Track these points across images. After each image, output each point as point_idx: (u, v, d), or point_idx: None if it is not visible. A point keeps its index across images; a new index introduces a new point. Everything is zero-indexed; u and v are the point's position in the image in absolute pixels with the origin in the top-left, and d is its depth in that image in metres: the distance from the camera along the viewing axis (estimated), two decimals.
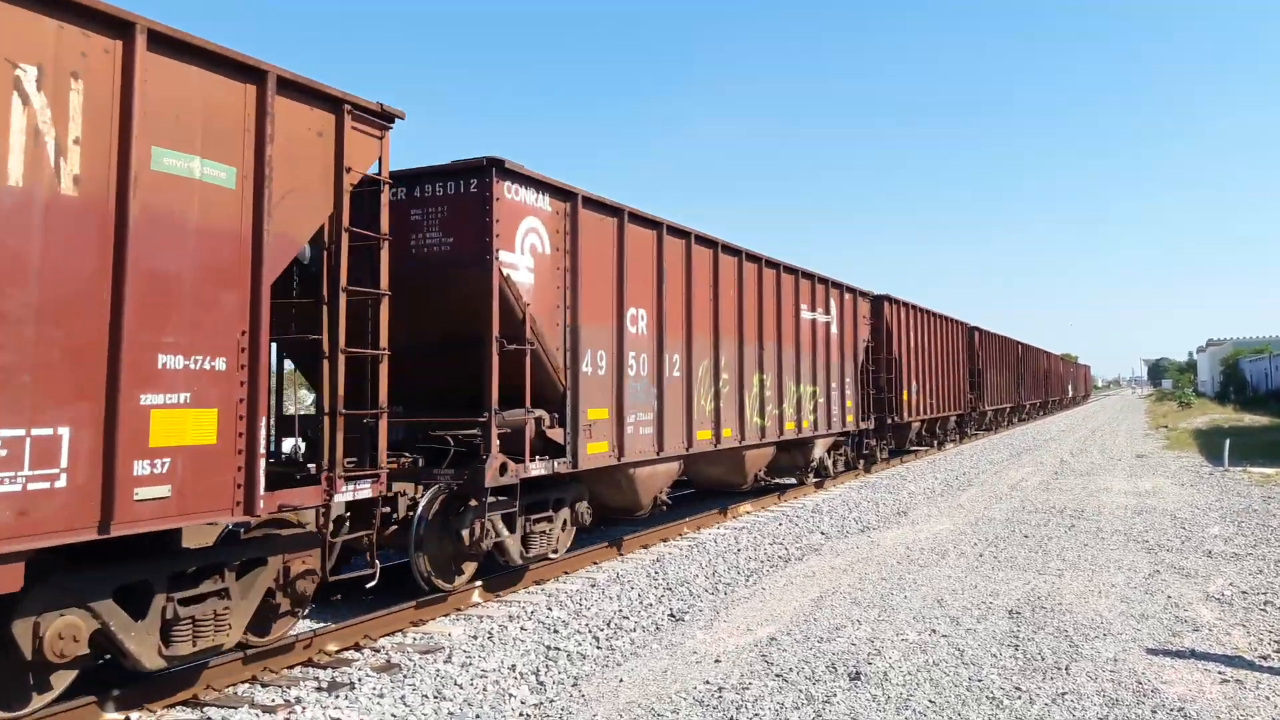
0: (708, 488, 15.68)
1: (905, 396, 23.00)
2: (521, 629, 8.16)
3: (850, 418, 18.97)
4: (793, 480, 17.50)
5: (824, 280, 17.53)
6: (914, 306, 24.43)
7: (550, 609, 8.83)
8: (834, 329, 18.10)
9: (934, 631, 7.85)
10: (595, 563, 11.12)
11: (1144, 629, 7.93)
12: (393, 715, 6.09)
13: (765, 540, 12.60)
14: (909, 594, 9.22)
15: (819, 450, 17.69)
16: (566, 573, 10.53)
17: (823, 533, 13.37)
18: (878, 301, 21.85)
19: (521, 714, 6.17)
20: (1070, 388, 77.17)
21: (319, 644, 7.40)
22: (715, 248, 13.15)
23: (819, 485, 18.52)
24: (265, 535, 6.79)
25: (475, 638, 7.87)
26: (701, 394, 12.53)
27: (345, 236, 7.01)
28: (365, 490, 7.15)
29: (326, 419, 6.91)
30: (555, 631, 8.10)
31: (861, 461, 20.94)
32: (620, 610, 8.85)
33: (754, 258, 14.39)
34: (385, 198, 7.49)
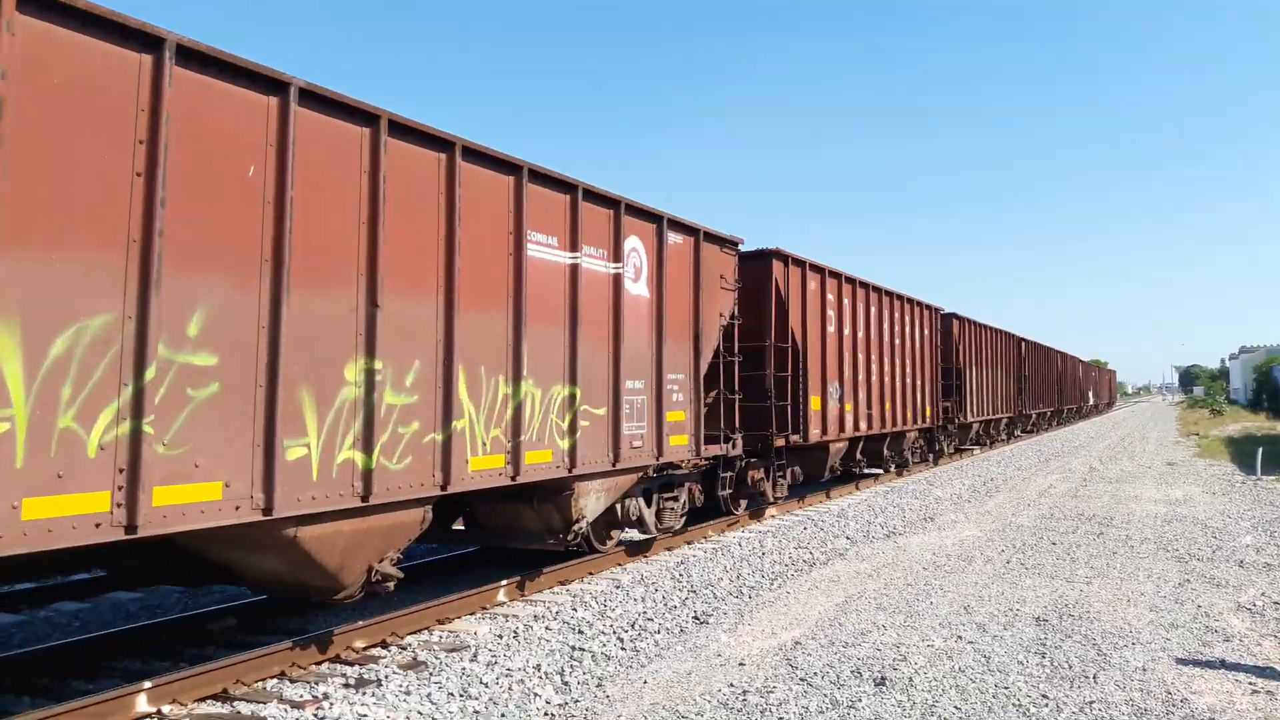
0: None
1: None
2: (546, 629, 8.20)
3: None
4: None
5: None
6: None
7: (575, 609, 8.86)
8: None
9: (960, 638, 7.81)
10: (619, 564, 11.14)
11: (1173, 638, 7.85)
12: (419, 713, 6.14)
13: (790, 544, 12.57)
14: (935, 600, 9.18)
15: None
16: (591, 573, 10.56)
17: (848, 537, 13.32)
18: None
19: (547, 714, 6.20)
20: (1091, 394, 69.25)
21: (346, 640, 7.47)
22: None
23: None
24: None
25: (501, 637, 7.92)
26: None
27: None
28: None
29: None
30: (580, 632, 8.13)
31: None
32: (644, 612, 8.87)
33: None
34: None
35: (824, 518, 15.06)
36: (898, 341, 20.23)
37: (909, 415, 21.00)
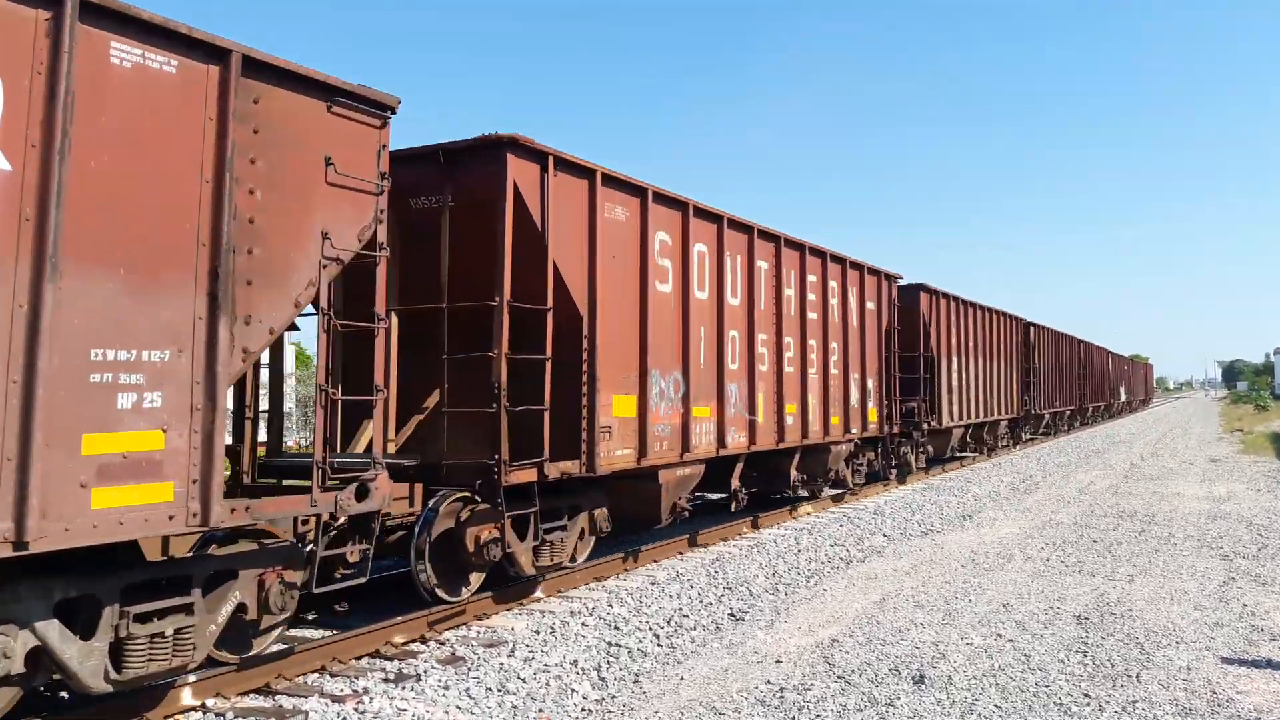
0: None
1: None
2: (583, 625, 8.23)
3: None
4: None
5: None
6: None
7: (611, 605, 8.89)
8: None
9: (1000, 636, 7.75)
10: (655, 560, 11.15)
11: (1218, 637, 7.73)
12: (457, 707, 6.19)
13: (826, 541, 12.52)
14: (974, 598, 9.10)
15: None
16: (627, 570, 10.58)
17: (885, 535, 13.24)
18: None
19: (584, 709, 6.23)
20: (1123, 390, 61.12)
21: (385, 636, 7.54)
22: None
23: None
24: None
25: (538, 632, 7.96)
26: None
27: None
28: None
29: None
30: (616, 628, 8.15)
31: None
32: (680, 608, 8.88)
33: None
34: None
35: (860, 515, 14.98)
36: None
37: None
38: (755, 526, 13.68)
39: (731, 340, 11.91)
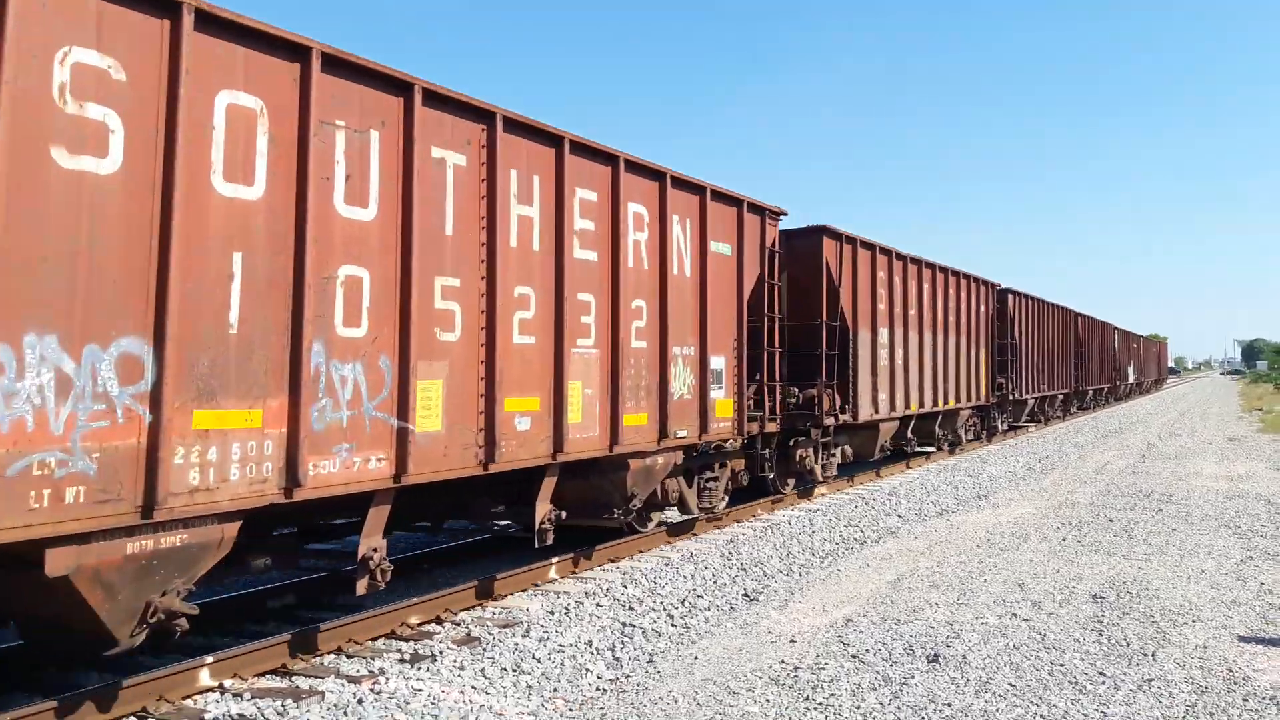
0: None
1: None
2: (597, 605, 8.26)
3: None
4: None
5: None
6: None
7: (625, 586, 8.91)
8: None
9: (1015, 615, 7.73)
10: (669, 541, 11.17)
11: (1235, 616, 7.69)
12: (473, 687, 6.23)
13: (840, 523, 12.51)
14: (989, 577, 9.08)
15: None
16: (641, 551, 10.60)
17: (900, 515, 13.22)
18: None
19: (598, 688, 6.26)
20: (1132, 371, 53.40)
21: (401, 617, 7.59)
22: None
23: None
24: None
25: (553, 613, 7.99)
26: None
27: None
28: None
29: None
30: (630, 609, 8.18)
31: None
32: (694, 589, 8.90)
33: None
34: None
35: (875, 496, 14.96)
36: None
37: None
38: (770, 509, 13.68)
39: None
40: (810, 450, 13.86)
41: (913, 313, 17.55)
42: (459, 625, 7.73)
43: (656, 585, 8.99)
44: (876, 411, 15.63)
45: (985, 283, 22.52)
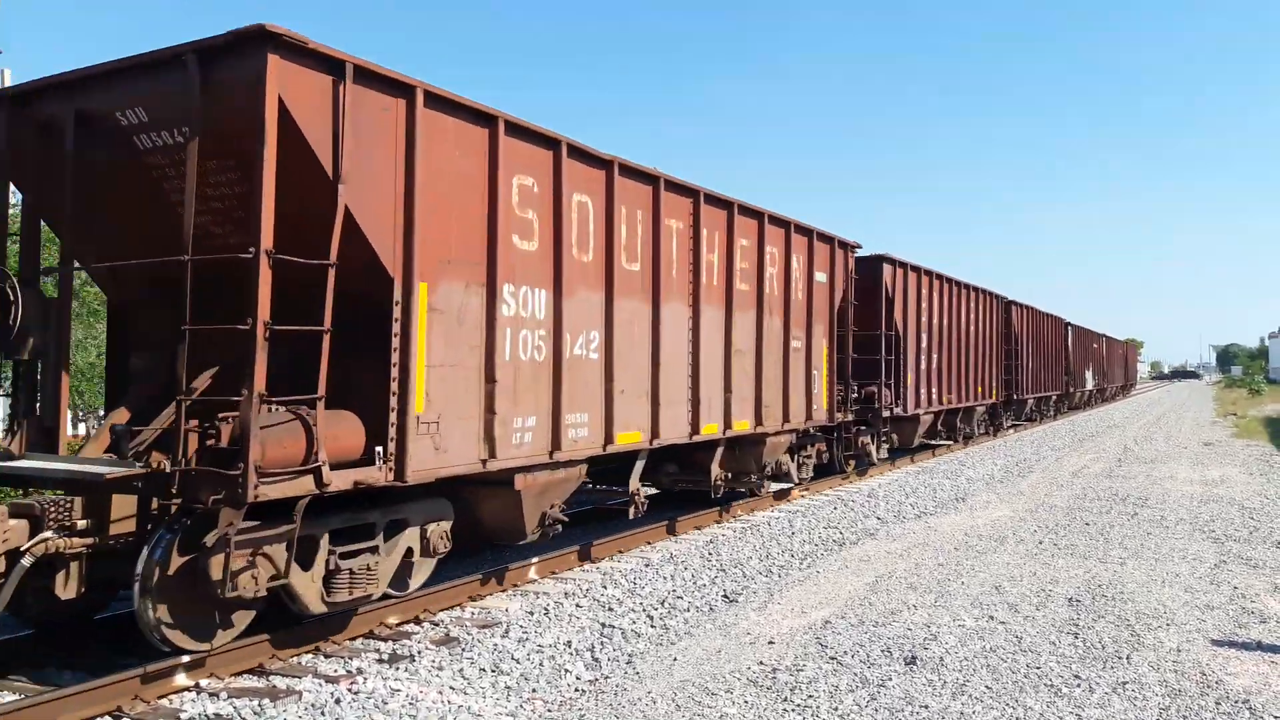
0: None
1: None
2: (577, 606, 8.26)
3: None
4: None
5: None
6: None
7: (605, 587, 8.92)
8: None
9: (992, 618, 7.78)
10: (649, 542, 11.18)
11: (1209, 619, 7.77)
12: (451, 687, 6.22)
13: (820, 524, 12.56)
14: (966, 580, 9.14)
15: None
16: (621, 552, 10.61)
17: (878, 518, 13.28)
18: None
19: (577, 689, 6.25)
20: (1090, 376, 46.04)
21: (379, 617, 7.56)
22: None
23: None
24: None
25: (532, 614, 7.98)
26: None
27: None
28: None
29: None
30: (610, 609, 8.18)
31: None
32: (674, 590, 8.91)
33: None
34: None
35: (854, 498, 15.02)
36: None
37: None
38: (750, 510, 13.71)
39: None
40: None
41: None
42: (438, 625, 7.71)
43: (636, 586, 9.00)
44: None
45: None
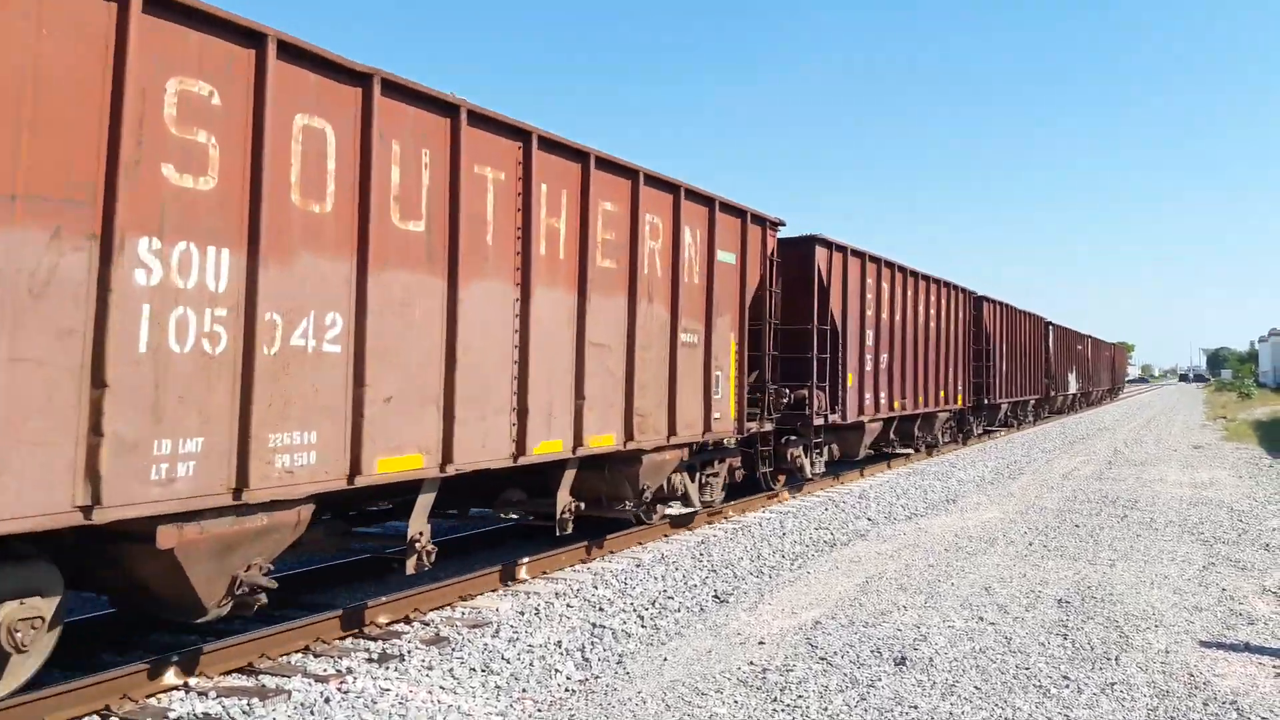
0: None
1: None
2: (568, 606, 8.25)
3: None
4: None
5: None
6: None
7: (596, 587, 8.91)
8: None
9: (981, 619, 7.80)
10: (640, 543, 11.18)
11: (1197, 621, 7.81)
12: (441, 687, 6.21)
13: (811, 525, 12.57)
14: (956, 581, 9.16)
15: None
16: (612, 552, 10.60)
17: (869, 519, 13.30)
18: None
19: (567, 689, 6.25)
20: (1073, 379, 43.05)
21: (370, 616, 7.55)
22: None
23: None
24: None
25: (523, 613, 7.98)
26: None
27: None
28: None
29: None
30: (601, 610, 8.18)
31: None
32: (665, 590, 8.91)
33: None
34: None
35: (845, 499, 15.04)
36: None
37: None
38: (742, 510, 13.71)
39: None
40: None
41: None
42: (428, 625, 7.70)
43: (627, 586, 9.00)
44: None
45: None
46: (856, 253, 16.12)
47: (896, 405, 18.04)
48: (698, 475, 11.85)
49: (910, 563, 10.05)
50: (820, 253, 14.94)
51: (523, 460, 8.12)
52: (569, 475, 9.09)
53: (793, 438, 14.48)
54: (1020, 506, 14.29)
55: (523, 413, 8.07)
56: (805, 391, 14.23)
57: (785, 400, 13.66)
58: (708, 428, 11.14)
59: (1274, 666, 6.65)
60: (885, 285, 17.50)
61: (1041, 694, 6.04)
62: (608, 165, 9.25)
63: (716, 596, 8.81)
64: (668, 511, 11.81)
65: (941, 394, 20.98)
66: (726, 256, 11.60)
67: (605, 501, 10.05)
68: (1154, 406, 59.07)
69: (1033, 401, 33.74)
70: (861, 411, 16.25)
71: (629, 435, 9.59)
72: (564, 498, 9.13)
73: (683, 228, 10.53)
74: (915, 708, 5.77)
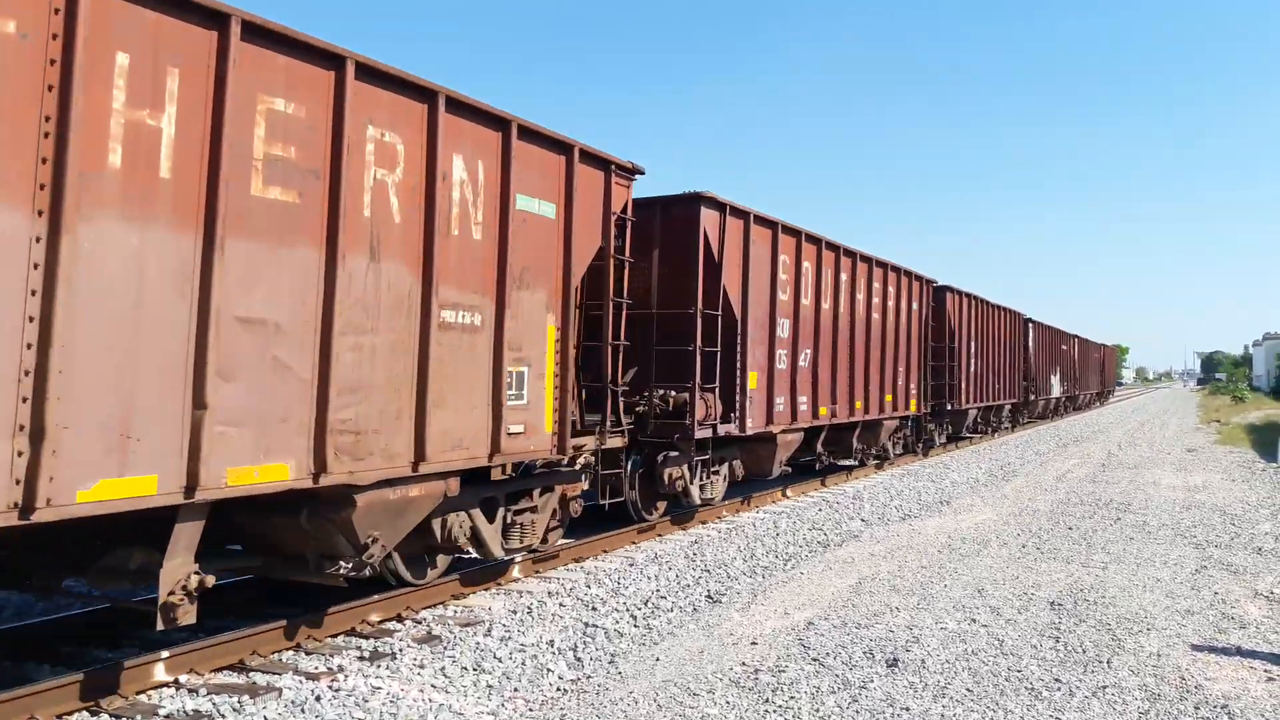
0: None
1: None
2: (560, 605, 8.24)
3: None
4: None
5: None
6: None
7: (589, 586, 8.91)
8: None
9: (974, 621, 7.81)
10: (634, 542, 11.17)
11: (1189, 625, 7.82)
12: (432, 686, 6.20)
13: (804, 526, 12.57)
14: (949, 583, 9.17)
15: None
16: (605, 551, 10.60)
17: (863, 519, 13.31)
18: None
19: (559, 689, 6.24)
20: (1057, 383, 39.70)
21: (361, 614, 7.53)
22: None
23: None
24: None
25: (515, 612, 7.96)
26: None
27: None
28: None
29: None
30: (593, 609, 8.17)
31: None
32: (658, 590, 8.90)
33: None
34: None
35: (839, 500, 15.05)
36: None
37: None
38: (735, 510, 13.71)
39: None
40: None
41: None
42: (420, 623, 7.68)
43: (620, 586, 8.99)
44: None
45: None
46: (765, 221, 12.78)
47: (824, 412, 14.66)
48: (503, 513, 8.54)
49: (903, 564, 10.05)
50: (708, 217, 11.55)
51: (43, 514, 4.79)
52: (184, 532, 5.65)
53: (672, 454, 11.40)
54: (1014, 509, 14.30)
55: (38, 435, 4.77)
56: (688, 395, 11.14)
57: (660, 407, 11.05)
58: (496, 447, 7.79)
59: (1265, 670, 6.66)
60: (809, 265, 14.11)
61: (1033, 696, 6.04)
62: (277, 41, 5.97)
63: (709, 596, 8.80)
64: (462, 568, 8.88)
65: (888, 398, 17.67)
66: (537, 207, 8.36)
67: (312, 563, 6.83)
68: (1148, 409, 59.16)
69: (1008, 406, 30.57)
70: (770, 420, 12.84)
71: (321, 465, 6.24)
72: (173, 571, 5.62)
73: (449, 157, 7.29)
74: (907, 709, 5.77)
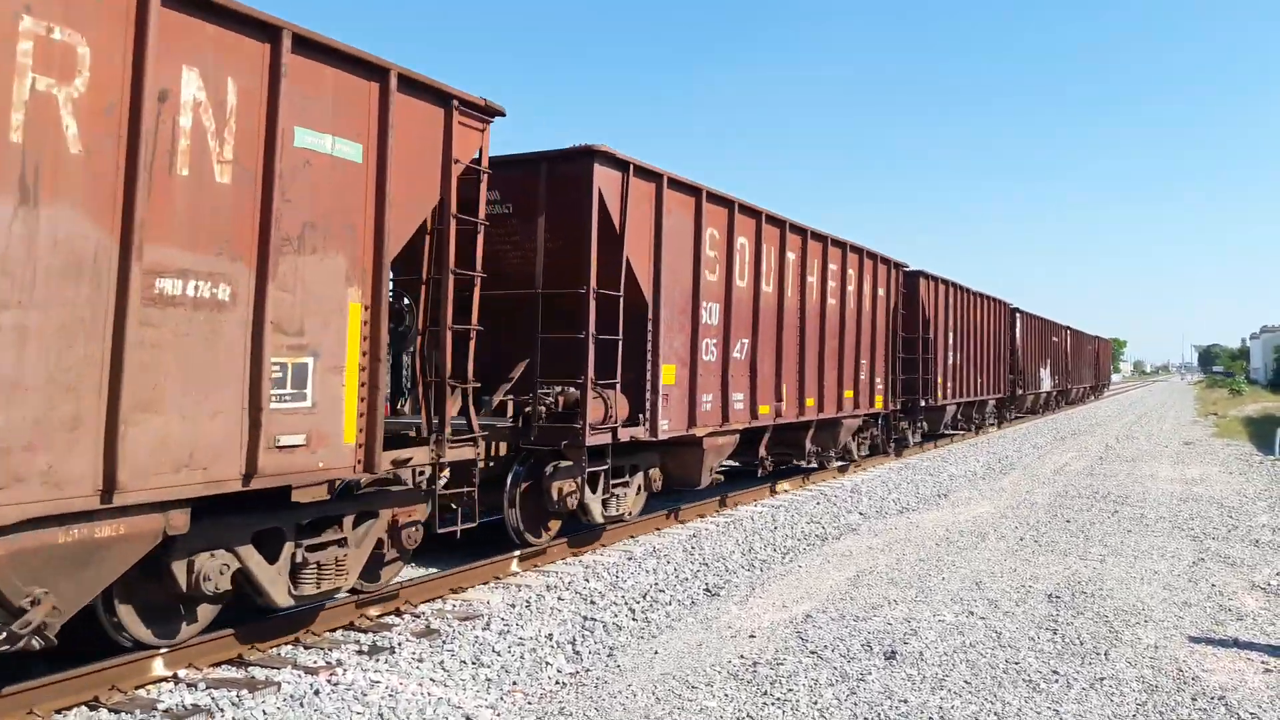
0: None
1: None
2: (559, 599, 8.25)
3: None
4: None
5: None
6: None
7: (587, 580, 8.91)
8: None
9: (971, 613, 7.82)
10: (632, 536, 11.18)
11: (1186, 616, 7.83)
12: (431, 679, 6.20)
13: (802, 519, 12.59)
14: (947, 575, 9.18)
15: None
16: (603, 545, 10.60)
17: (861, 513, 13.33)
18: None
19: (558, 682, 6.25)
20: (1046, 376, 37.43)
21: (360, 609, 7.53)
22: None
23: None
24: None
25: (513, 606, 7.97)
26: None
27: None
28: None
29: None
30: (592, 602, 8.18)
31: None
32: (656, 583, 8.91)
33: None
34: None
35: (837, 493, 15.05)
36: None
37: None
38: (733, 505, 13.71)
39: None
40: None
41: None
42: (419, 617, 7.68)
43: (618, 579, 8.99)
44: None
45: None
46: (684, 186, 10.83)
47: (765, 411, 12.90)
48: (290, 549, 6.66)
49: (901, 556, 10.06)
50: (604, 176, 9.55)
51: None
52: None
53: (564, 463, 9.61)
54: (1011, 501, 14.31)
55: None
56: (578, 393, 9.37)
57: (554, 407, 9.37)
58: (253, 466, 5.90)
59: (1262, 662, 6.68)
60: (745, 241, 12.22)
61: (1031, 688, 6.05)
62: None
63: (708, 590, 8.81)
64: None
65: (848, 395, 15.86)
66: (330, 145, 6.43)
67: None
68: (1146, 402, 59.20)
69: (993, 402, 28.73)
70: (694, 422, 11.04)
71: None
72: None
73: (174, 68, 5.42)
74: (905, 702, 5.78)
